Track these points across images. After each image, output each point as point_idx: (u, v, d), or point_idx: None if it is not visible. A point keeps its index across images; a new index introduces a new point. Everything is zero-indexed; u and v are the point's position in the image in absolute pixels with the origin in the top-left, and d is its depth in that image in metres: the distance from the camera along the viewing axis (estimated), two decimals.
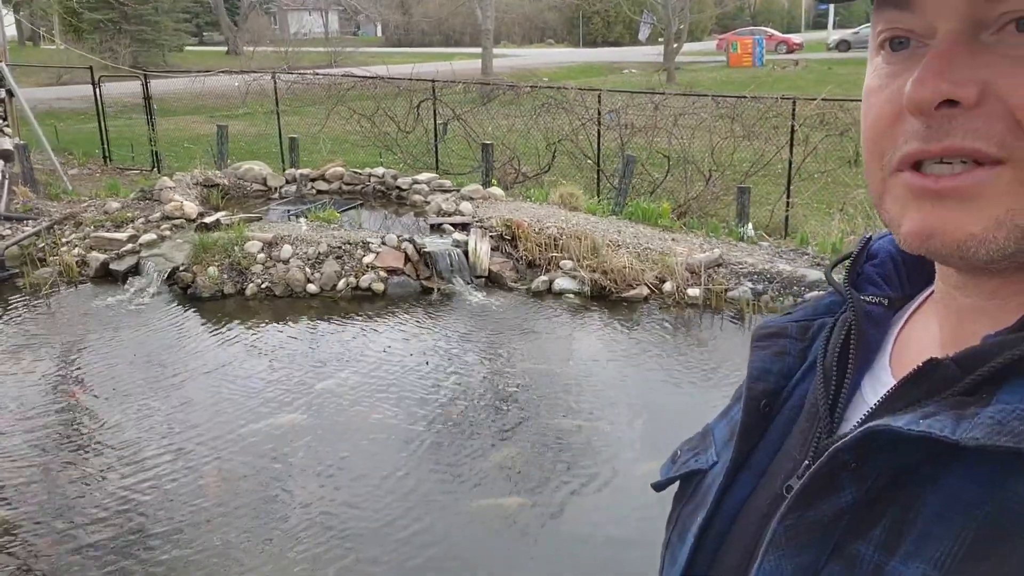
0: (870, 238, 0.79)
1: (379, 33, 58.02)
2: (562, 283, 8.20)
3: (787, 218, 10.13)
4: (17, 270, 8.74)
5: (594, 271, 8.19)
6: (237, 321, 7.60)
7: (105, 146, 14.06)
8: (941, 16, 0.57)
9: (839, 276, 0.77)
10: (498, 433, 5.57)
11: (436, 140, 12.12)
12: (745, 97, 10.72)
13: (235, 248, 8.38)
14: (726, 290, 7.95)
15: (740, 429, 0.74)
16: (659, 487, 0.86)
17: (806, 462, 0.67)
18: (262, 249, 8.39)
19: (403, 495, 4.82)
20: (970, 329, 0.62)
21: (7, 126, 11.42)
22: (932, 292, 0.72)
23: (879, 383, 0.69)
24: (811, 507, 0.60)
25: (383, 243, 8.46)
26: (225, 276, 8.20)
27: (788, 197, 10.16)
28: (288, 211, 9.90)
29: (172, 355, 6.90)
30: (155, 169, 13.61)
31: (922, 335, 0.70)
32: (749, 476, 0.73)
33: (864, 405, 0.67)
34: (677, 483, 0.82)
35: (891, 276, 0.77)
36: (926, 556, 0.53)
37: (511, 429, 5.62)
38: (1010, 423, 0.51)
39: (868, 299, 0.74)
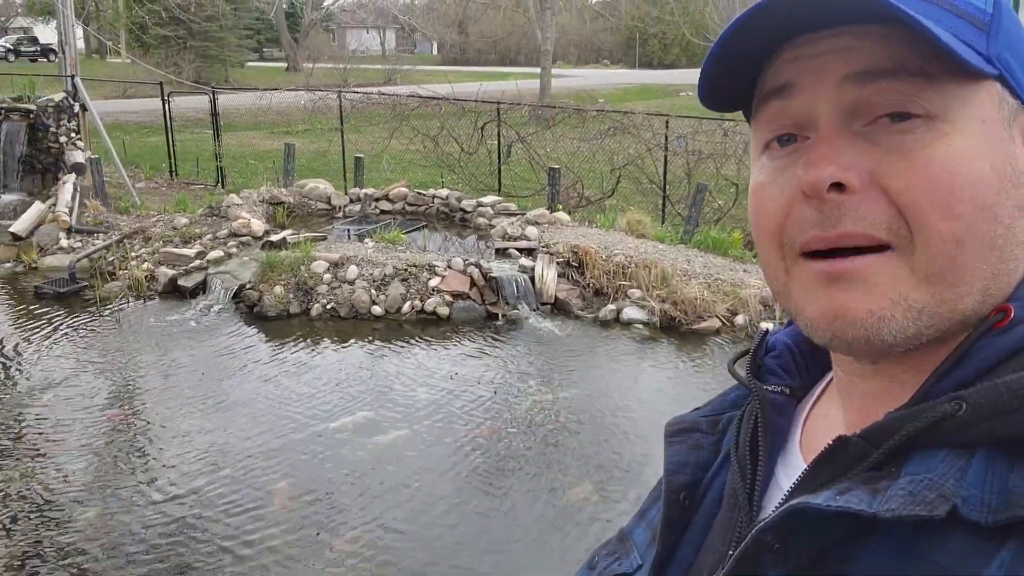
0: (767, 331, 0.82)
1: (435, 51, 58.60)
2: (630, 313, 8.02)
3: None
4: (87, 283, 8.83)
5: (663, 301, 8.00)
6: (303, 341, 7.56)
7: (172, 160, 14.27)
8: (819, 101, 0.62)
9: (741, 371, 0.80)
10: (562, 468, 5.40)
11: (500, 162, 12.05)
12: None
13: (301, 267, 8.36)
14: None
15: (662, 524, 0.76)
16: None
17: (730, 552, 0.68)
18: (328, 269, 8.36)
19: (462, 527, 4.68)
20: (873, 412, 0.63)
21: (80, 139, 11.62)
22: (831, 380, 0.76)
23: (792, 468, 0.71)
24: None
25: (449, 266, 8.37)
26: (291, 295, 8.18)
27: None
28: (352, 230, 9.88)
29: (238, 374, 6.87)
30: (219, 184, 13.78)
31: (828, 421, 0.73)
32: (676, 572, 0.74)
33: (780, 491, 0.69)
34: None
35: (790, 367, 0.80)
36: None
37: (577, 464, 5.44)
38: (921, 493, 0.54)
39: (771, 388, 0.77)
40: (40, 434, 5.77)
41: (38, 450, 5.55)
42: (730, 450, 0.77)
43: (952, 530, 0.53)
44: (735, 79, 0.68)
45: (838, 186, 0.60)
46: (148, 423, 5.98)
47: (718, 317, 7.84)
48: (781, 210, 0.64)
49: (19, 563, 4.33)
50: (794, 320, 0.68)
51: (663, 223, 10.72)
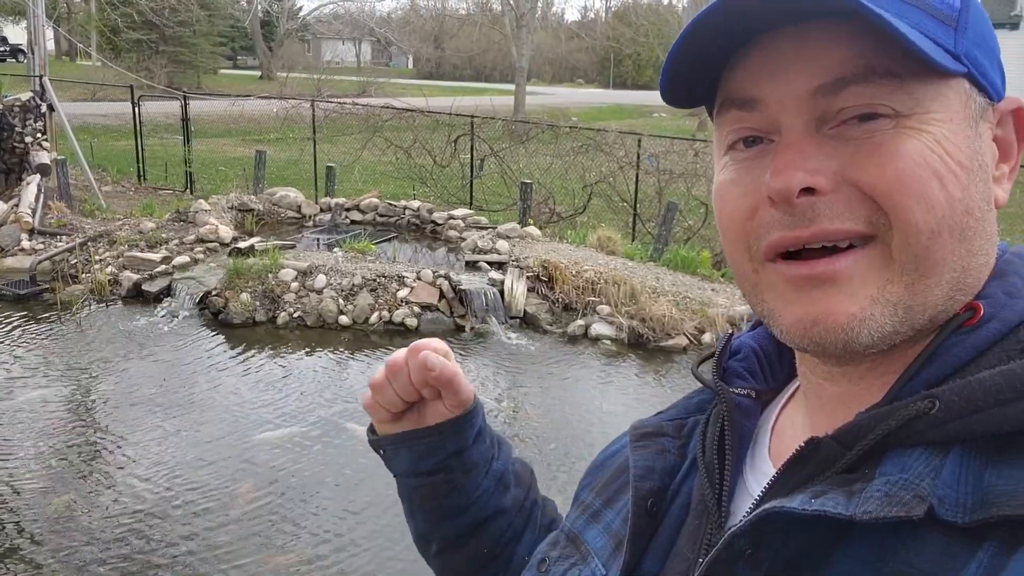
0: (731, 335, 0.81)
1: (410, 65, 58.64)
2: (599, 328, 8.03)
3: None
4: (48, 285, 8.67)
5: (632, 318, 8.02)
6: (268, 349, 7.47)
7: (141, 164, 14.09)
8: (785, 114, 0.61)
9: (707, 374, 0.78)
10: None
11: (472, 176, 12.05)
12: None
13: (269, 275, 8.27)
14: None
15: (630, 532, 0.73)
16: None
17: (699, 559, 0.66)
18: (296, 278, 8.29)
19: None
20: (841, 415, 0.62)
21: (46, 140, 11.44)
22: (799, 385, 0.74)
23: (761, 473, 0.70)
24: None
25: (418, 278, 8.33)
26: (257, 303, 8.09)
27: None
28: (321, 239, 9.81)
29: (201, 380, 6.76)
30: (188, 190, 13.62)
31: (797, 425, 0.71)
32: None
33: (749, 496, 0.68)
34: None
35: (755, 370, 0.78)
36: None
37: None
38: (897, 494, 0.53)
39: (737, 391, 0.75)
40: None
41: None
42: (696, 455, 0.75)
43: (928, 531, 0.53)
44: (697, 77, 0.67)
45: (808, 190, 0.59)
46: (107, 428, 5.87)
47: (685, 335, 7.88)
48: (746, 211, 0.64)
49: None
50: (766, 324, 0.66)
51: (633, 240, 10.78)
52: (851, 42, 0.59)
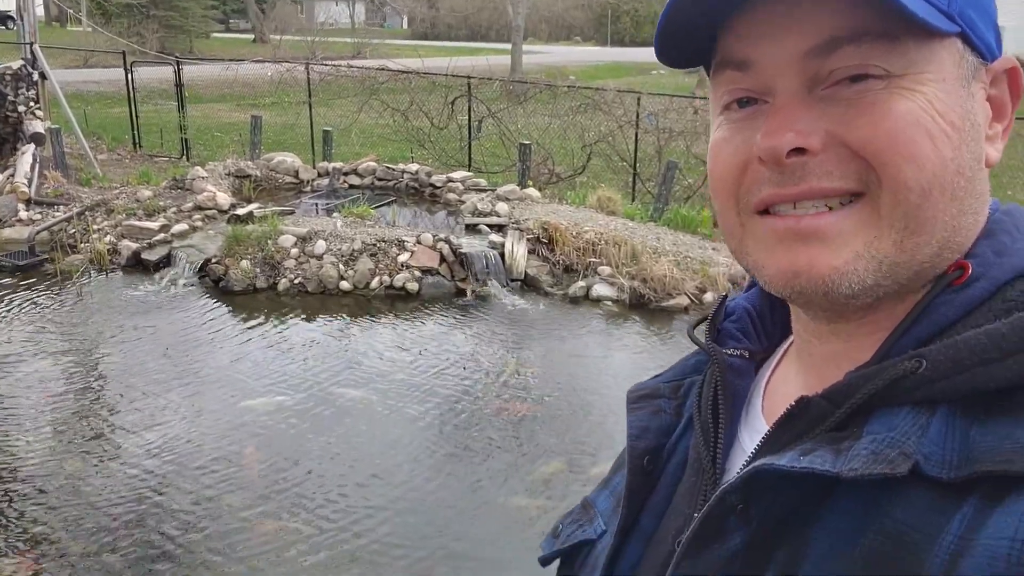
0: (726, 297, 0.83)
1: (405, 25, 57.94)
2: (600, 290, 8.02)
3: None
4: (47, 256, 8.64)
5: (633, 278, 8.00)
6: (269, 316, 7.47)
7: (135, 132, 13.97)
8: (778, 76, 0.62)
9: (702, 336, 0.80)
10: (532, 443, 5.40)
11: (470, 138, 11.95)
12: None
13: (268, 242, 8.24)
14: None
15: (627, 490, 0.75)
16: (545, 562, 0.86)
17: (695, 515, 0.67)
18: (295, 244, 8.26)
19: (422, 498, 4.67)
20: (831, 374, 0.64)
21: (39, 109, 11.32)
22: (791, 343, 0.76)
23: (755, 431, 0.71)
24: (703, 553, 0.62)
25: (418, 242, 8.30)
26: (258, 270, 8.07)
27: None
28: (320, 204, 9.76)
29: (203, 348, 6.77)
30: (184, 157, 13.52)
31: (789, 383, 0.73)
32: (639, 539, 0.74)
33: (743, 453, 0.69)
34: (560, 560, 0.83)
35: (748, 330, 0.80)
36: None
37: (549, 439, 5.45)
38: (883, 451, 0.55)
39: (730, 352, 0.77)
40: (0, 406, 5.65)
41: None
42: (692, 415, 0.77)
43: (914, 487, 0.54)
44: (692, 37, 0.67)
45: (798, 150, 0.61)
46: (111, 398, 5.89)
47: (687, 295, 7.87)
48: (736, 168, 0.65)
49: None
50: (751, 275, 0.69)
51: (633, 200, 10.71)
52: (844, 3, 0.59)
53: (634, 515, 0.75)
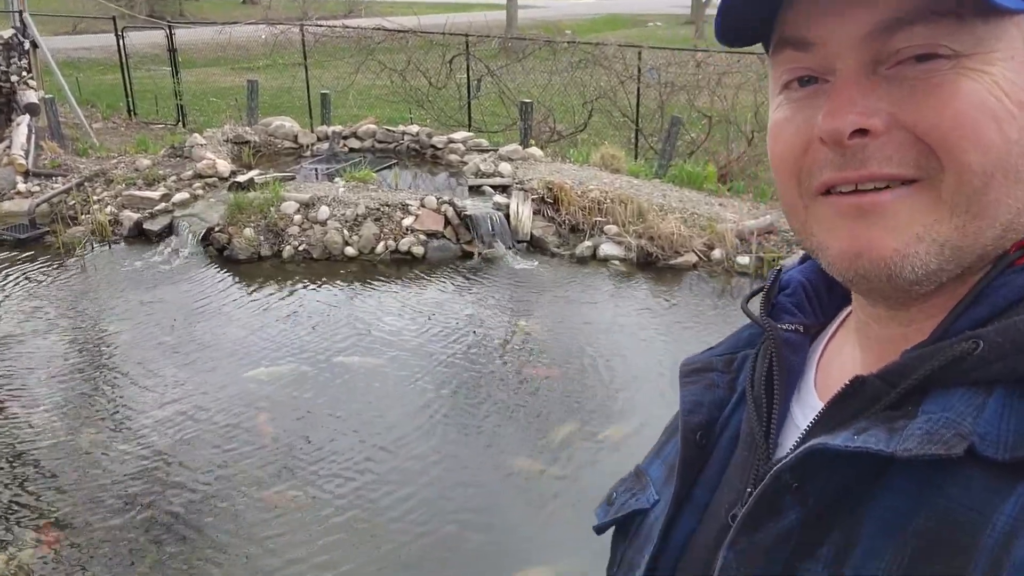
0: (780, 270, 0.83)
1: None
2: (607, 249, 7.96)
3: None
4: (47, 228, 8.57)
5: (640, 237, 7.94)
6: (276, 285, 7.42)
7: (130, 99, 13.79)
8: (839, 54, 0.61)
9: (755, 309, 0.80)
10: (542, 404, 5.40)
11: (469, 97, 11.79)
12: None
13: (271, 209, 8.17)
14: (777, 258, 7.71)
15: (680, 464, 0.76)
16: (600, 530, 0.87)
17: (748, 489, 0.68)
18: (298, 210, 8.18)
19: (436, 461, 4.68)
20: (891, 354, 0.63)
21: (32, 78, 11.15)
22: (846, 317, 0.76)
23: (808, 407, 0.71)
24: (758, 530, 0.62)
25: (422, 205, 8.23)
26: (261, 238, 8.00)
27: None
28: (321, 169, 9.66)
29: (209, 317, 6.73)
30: (180, 123, 13.36)
31: (844, 359, 0.73)
32: (692, 511, 0.75)
33: (796, 429, 0.69)
34: (614, 527, 0.84)
35: (804, 304, 0.79)
36: (872, 570, 0.55)
37: (559, 403, 5.44)
38: (938, 432, 0.54)
39: (785, 327, 0.77)
40: (8, 384, 5.63)
41: (1, 402, 5.43)
42: (745, 389, 0.76)
43: (969, 467, 0.54)
44: (752, 14, 0.66)
45: (860, 132, 0.59)
46: (119, 369, 5.86)
47: (695, 252, 7.82)
48: (798, 148, 0.64)
49: None
50: (815, 257, 0.68)
51: (636, 157, 10.60)
52: None
53: (687, 488, 0.76)
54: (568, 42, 11.34)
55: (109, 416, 5.26)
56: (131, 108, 13.89)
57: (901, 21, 0.58)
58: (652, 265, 7.82)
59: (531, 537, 4.22)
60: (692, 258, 7.78)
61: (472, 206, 8.26)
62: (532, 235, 8.22)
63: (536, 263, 7.93)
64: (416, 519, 4.28)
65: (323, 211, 8.15)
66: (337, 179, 9.01)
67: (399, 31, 12.61)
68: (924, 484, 0.55)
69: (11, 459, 4.77)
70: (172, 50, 13.32)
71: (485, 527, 4.26)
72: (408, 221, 8.11)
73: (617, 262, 7.87)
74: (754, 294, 0.83)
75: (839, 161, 0.61)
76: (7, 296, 7.15)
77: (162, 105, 14.15)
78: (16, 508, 4.33)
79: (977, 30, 0.58)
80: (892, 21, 0.58)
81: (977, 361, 0.57)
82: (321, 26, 13.89)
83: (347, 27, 13.52)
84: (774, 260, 7.65)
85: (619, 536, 0.84)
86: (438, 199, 8.28)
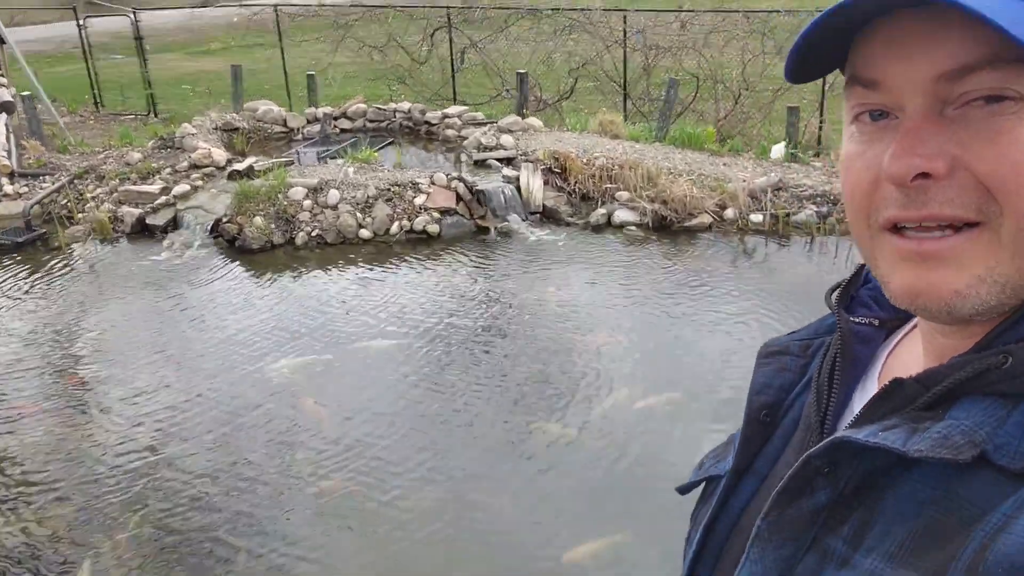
0: (864, 265, 0.83)
1: None
2: (622, 215, 8.01)
3: (820, 137, 9.99)
4: (44, 230, 8.33)
5: (653, 201, 8.00)
6: (293, 272, 7.34)
7: (96, 91, 13.37)
8: (906, 95, 0.63)
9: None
10: (586, 374, 5.45)
11: (453, 70, 11.66)
12: (779, 12, 10.38)
13: (279, 196, 8.04)
14: (789, 214, 7.83)
15: (741, 438, 0.82)
16: (683, 491, 0.95)
17: None
18: (307, 195, 8.06)
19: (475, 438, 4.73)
20: (946, 361, 0.67)
21: (2, 75, 10.74)
22: None
23: (868, 398, 0.73)
24: (790, 506, 0.67)
25: (432, 183, 8.17)
26: (272, 225, 7.88)
27: (822, 115, 9.98)
28: (318, 152, 9.51)
29: (235, 312, 6.61)
30: (151, 113, 13.01)
31: (912, 357, 0.76)
32: (753, 480, 0.81)
33: (851, 418, 0.73)
34: (702, 486, 0.91)
35: (882, 299, 0.80)
36: (882, 549, 0.60)
37: (611, 374, 5.50)
38: (953, 437, 0.59)
39: (858, 320, 0.81)
40: (82, 386, 5.51)
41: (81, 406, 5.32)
42: (813, 374, 0.81)
43: (983, 471, 0.58)
44: (823, 53, 0.69)
45: (923, 174, 0.62)
46: (156, 373, 5.75)
47: (708, 212, 7.91)
48: (867, 183, 0.66)
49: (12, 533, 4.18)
50: (880, 285, 0.71)
51: (625, 121, 10.62)
52: (974, 29, 0.59)
53: (748, 460, 0.82)
54: (552, 9, 11.27)
55: (153, 416, 5.16)
56: (98, 100, 13.47)
57: (967, 68, 0.60)
58: (667, 228, 7.89)
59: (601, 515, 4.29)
60: (706, 219, 7.87)
61: (483, 181, 8.22)
62: (544, 206, 8.23)
63: (552, 233, 7.95)
64: (475, 506, 4.32)
65: (333, 195, 8.04)
66: (340, 161, 8.89)
67: (379, 7, 12.37)
68: (941, 481, 0.60)
69: (93, 462, 4.68)
70: (138, 38, 12.91)
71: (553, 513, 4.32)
72: (420, 200, 8.05)
73: (633, 227, 7.92)
74: (838, 285, 0.86)
75: (903, 200, 0.64)
76: (21, 303, 6.94)
77: (128, 95, 13.74)
78: (94, 511, 4.27)
79: None
80: (958, 69, 0.61)
81: (1004, 374, 0.61)
82: (295, 5, 13.56)
83: (323, 5, 13.21)
84: (787, 216, 7.78)
85: (700, 497, 0.91)
86: (448, 176, 8.23)
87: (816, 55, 0.69)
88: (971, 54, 0.60)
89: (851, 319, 0.81)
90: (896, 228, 0.65)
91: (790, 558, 0.67)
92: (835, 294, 0.85)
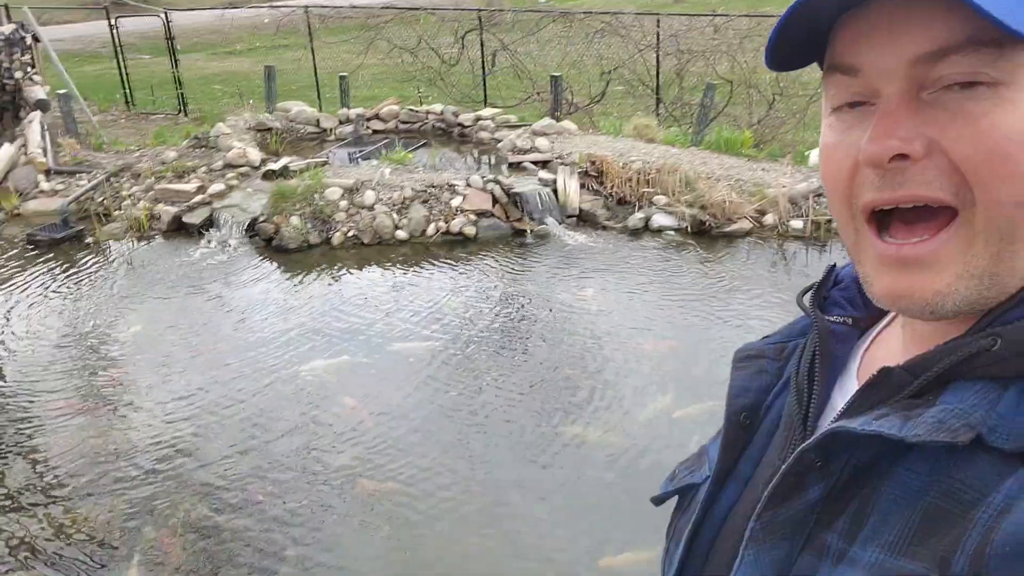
0: (834, 266, 0.86)
1: None
2: (660, 219, 7.95)
3: None
4: (81, 227, 8.36)
5: (691, 206, 7.94)
6: (333, 272, 7.32)
7: (127, 90, 13.43)
8: (883, 81, 0.64)
9: (809, 302, 0.85)
10: (624, 372, 5.40)
11: (484, 73, 11.65)
12: None
13: (315, 196, 8.03)
14: (829, 220, 7.76)
15: (722, 442, 0.82)
16: (658, 501, 0.94)
17: (781, 466, 0.71)
18: (343, 196, 8.06)
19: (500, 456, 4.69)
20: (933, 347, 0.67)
21: (36, 74, 10.80)
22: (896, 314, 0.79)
23: (847, 394, 0.74)
24: (784, 504, 0.67)
25: (468, 185, 8.14)
26: (309, 225, 7.87)
27: None
28: (352, 153, 9.51)
29: (276, 312, 6.60)
30: (182, 113, 13.06)
31: (889, 351, 0.76)
32: (735, 484, 0.80)
33: (834, 414, 0.73)
34: (676, 498, 0.90)
35: (855, 299, 0.83)
36: (880, 540, 0.60)
37: (645, 373, 5.45)
38: (948, 421, 0.59)
39: (833, 319, 0.82)
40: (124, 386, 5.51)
41: (112, 396, 5.31)
42: (791, 375, 0.82)
43: (978, 454, 0.58)
44: (802, 43, 0.70)
45: (900, 156, 0.62)
46: (204, 371, 5.73)
47: (747, 218, 7.84)
48: (847, 171, 0.67)
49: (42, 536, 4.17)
50: (863, 285, 0.71)
51: (658, 126, 10.57)
52: (951, 11, 0.60)
53: (731, 463, 0.82)
54: (585, 12, 11.23)
55: (200, 414, 5.16)
56: (129, 99, 13.54)
57: (943, 51, 0.61)
58: (706, 234, 7.82)
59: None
60: (746, 225, 7.80)
61: (520, 184, 8.19)
62: (581, 209, 8.18)
63: (589, 237, 7.90)
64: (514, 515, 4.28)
65: (369, 196, 8.03)
66: (375, 162, 8.88)
67: (410, 9, 12.37)
68: (936, 467, 0.60)
69: (127, 463, 4.67)
70: (170, 38, 12.97)
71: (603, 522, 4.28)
72: (456, 201, 8.02)
73: (672, 232, 7.86)
74: (809, 288, 0.86)
75: (880, 183, 0.64)
76: (63, 300, 6.95)
77: (159, 95, 13.80)
78: (132, 515, 4.25)
79: (1017, 58, 0.60)
80: (934, 52, 0.61)
81: (994, 357, 0.61)
82: (326, 7, 13.59)
83: (355, 7, 13.22)
84: (828, 223, 7.70)
85: (677, 508, 0.90)
86: (483, 178, 8.20)
87: (794, 45, 0.69)
88: (948, 36, 0.60)
89: (827, 319, 0.81)
90: (878, 223, 0.66)
91: (786, 558, 0.66)
92: (807, 296, 0.85)
